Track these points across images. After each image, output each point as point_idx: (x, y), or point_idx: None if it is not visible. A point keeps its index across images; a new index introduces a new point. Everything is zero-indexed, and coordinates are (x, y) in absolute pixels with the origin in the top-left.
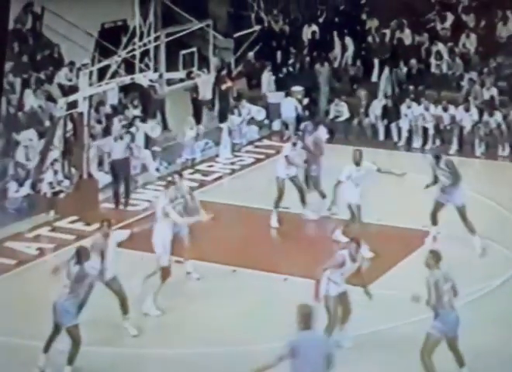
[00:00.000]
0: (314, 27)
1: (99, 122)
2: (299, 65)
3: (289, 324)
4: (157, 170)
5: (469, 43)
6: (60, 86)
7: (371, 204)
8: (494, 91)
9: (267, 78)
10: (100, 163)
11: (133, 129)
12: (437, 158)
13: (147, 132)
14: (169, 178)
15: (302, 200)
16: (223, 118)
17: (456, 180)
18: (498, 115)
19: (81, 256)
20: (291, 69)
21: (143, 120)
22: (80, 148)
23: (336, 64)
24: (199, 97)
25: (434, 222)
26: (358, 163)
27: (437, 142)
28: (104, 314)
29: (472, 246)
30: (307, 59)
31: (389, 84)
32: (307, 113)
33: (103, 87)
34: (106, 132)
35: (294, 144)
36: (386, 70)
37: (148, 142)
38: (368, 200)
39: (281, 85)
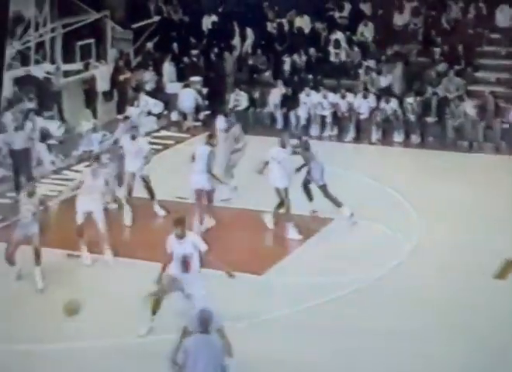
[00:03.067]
0: (214, 17)
1: None
2: (202, 55)
3: None
4: (53, 162)
5: (367, 31)
6: None
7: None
8: (390, 79)
9: (167, 69)
10: None
11: (29, 123)
12: (304, 142)
13: (46, 127)
14: None
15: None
16: (121, 109)
17: (310, 159)
18: (394, 102)
19: None
20: (194, 59)
21: (39, 113)
22: None
23: (236, 54)
24: (97, 88)
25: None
26: (283, 146)
27: (335, 129)
28: None
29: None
30: (214, 49)
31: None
32: (207, 103)
33: None
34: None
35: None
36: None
37: (45, 135)
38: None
39: (183, 76)
